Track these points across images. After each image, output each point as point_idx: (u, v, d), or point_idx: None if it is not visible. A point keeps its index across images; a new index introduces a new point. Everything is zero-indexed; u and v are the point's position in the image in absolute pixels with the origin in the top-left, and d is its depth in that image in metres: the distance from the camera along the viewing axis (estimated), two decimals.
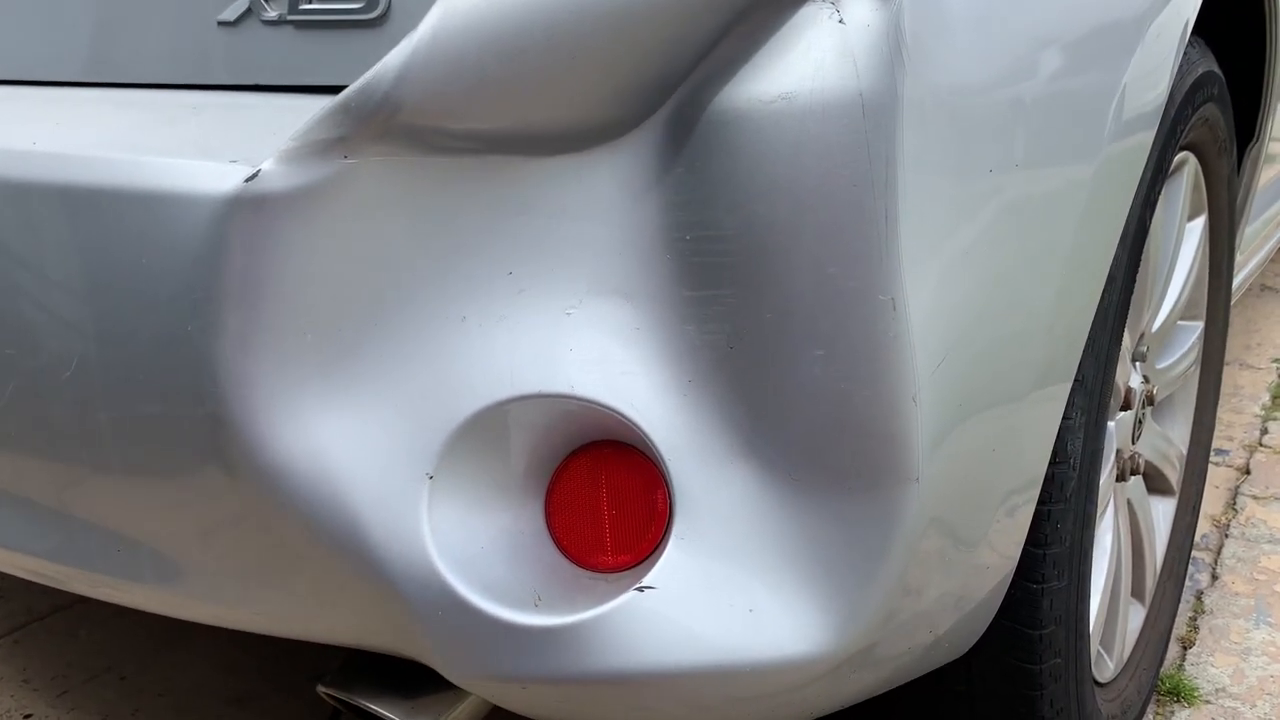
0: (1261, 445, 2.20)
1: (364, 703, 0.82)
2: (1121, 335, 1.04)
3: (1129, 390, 1.21)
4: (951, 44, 0.69)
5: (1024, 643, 0.95)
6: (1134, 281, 1.01)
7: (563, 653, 0.70)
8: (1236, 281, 1.74)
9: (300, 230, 0.66)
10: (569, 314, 0.73)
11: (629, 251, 0.72)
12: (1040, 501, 0.90)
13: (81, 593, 0.86)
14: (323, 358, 0.69)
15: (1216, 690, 1.45)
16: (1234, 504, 1.95)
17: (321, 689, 0.84)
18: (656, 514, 0.74)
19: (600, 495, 0.75)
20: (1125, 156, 0.88)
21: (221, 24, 0.79)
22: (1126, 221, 0.91)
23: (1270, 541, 1.83)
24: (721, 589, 0.72)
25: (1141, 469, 1.30)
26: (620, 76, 0.68)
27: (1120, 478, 1.23)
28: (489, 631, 0.70)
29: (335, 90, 0.75)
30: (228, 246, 0.66)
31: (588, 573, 0.74)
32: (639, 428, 0.72)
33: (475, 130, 0.67)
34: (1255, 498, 1.97)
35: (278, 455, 0.68)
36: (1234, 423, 2.33)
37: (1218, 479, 2.04)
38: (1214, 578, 1.72)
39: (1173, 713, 1.41)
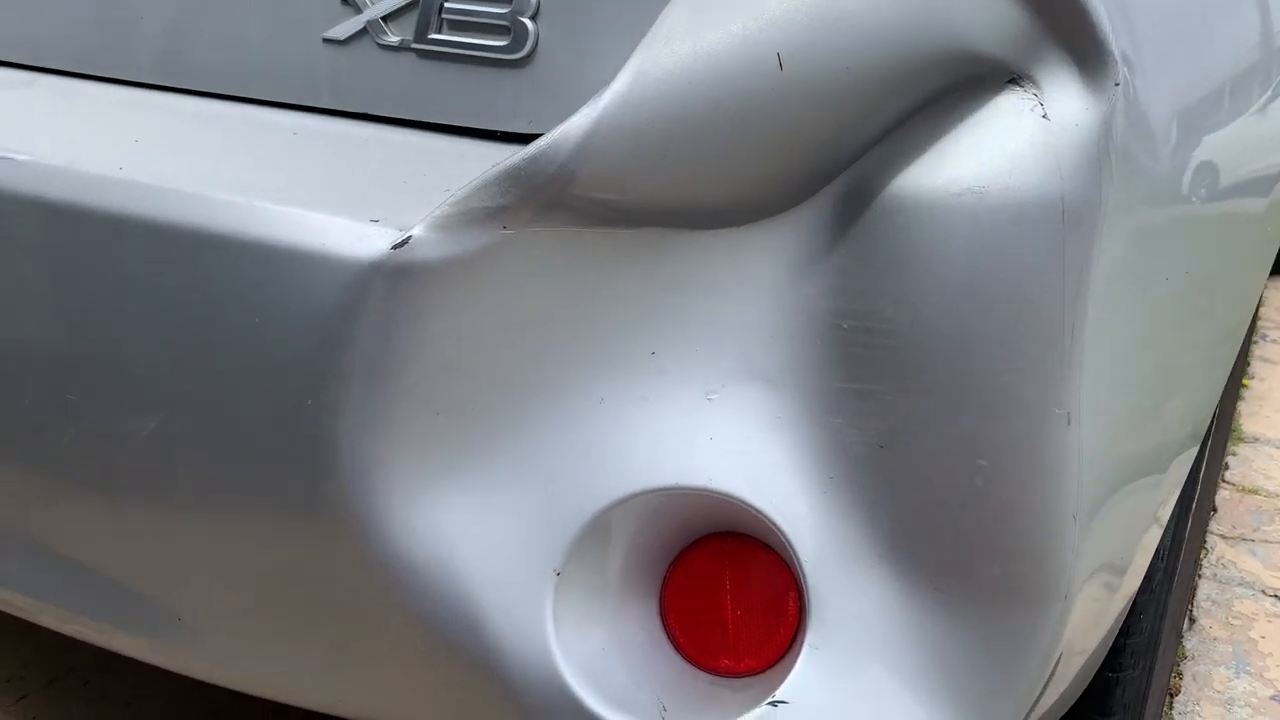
0: (1225, 481, 2.24)
1: None
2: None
3: None
4: (1151, 151, 0.65)
5: None
6: None
7: None
8: None
9: (444, 304, 0.59)
10: (710, 399, 0.67)
11: (778, 336, 0.67)
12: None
13: (155, 663, 0.78)
14: (451, 442, 0.62)
15: None
16: (1205, 543, 1.99)
17: None
18: (787, 618, 0.69)
19: (724, 592, 0.70)
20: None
21: (328, 41, 0.70)
22: None
23: (1241, 584, 1.86)
24: (854, 703, 0.67)
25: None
26: (802, 155, 0.62)
27: None
28: None
29: (460, 131, 0.68)
30: (363, 317, 0.58)
31: (710, 677, 0.69)
32: (778, 527, 0.67)
33: (640, 204, 0.61)
34: (1223, 537, 2.01)
35: (397, 546, 0.62)
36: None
37: None
38: (1192, 621, 1.75)
39: None
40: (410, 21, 0.68)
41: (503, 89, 0.67)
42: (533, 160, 0.57)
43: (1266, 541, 2.00)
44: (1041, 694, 0.71)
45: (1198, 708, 1.53)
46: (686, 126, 0.57)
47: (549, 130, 0.63)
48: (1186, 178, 0.69)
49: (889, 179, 0.64)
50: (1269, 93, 0.80)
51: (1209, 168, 0.72)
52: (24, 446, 0.68)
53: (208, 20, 0.73)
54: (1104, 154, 0.61)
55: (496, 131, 0.67)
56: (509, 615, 0.63)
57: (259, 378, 0.60)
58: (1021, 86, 0.62)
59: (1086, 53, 0.60)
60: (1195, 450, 0.84)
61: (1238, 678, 1.61)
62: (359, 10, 0.69)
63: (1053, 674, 0.71)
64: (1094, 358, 0.64)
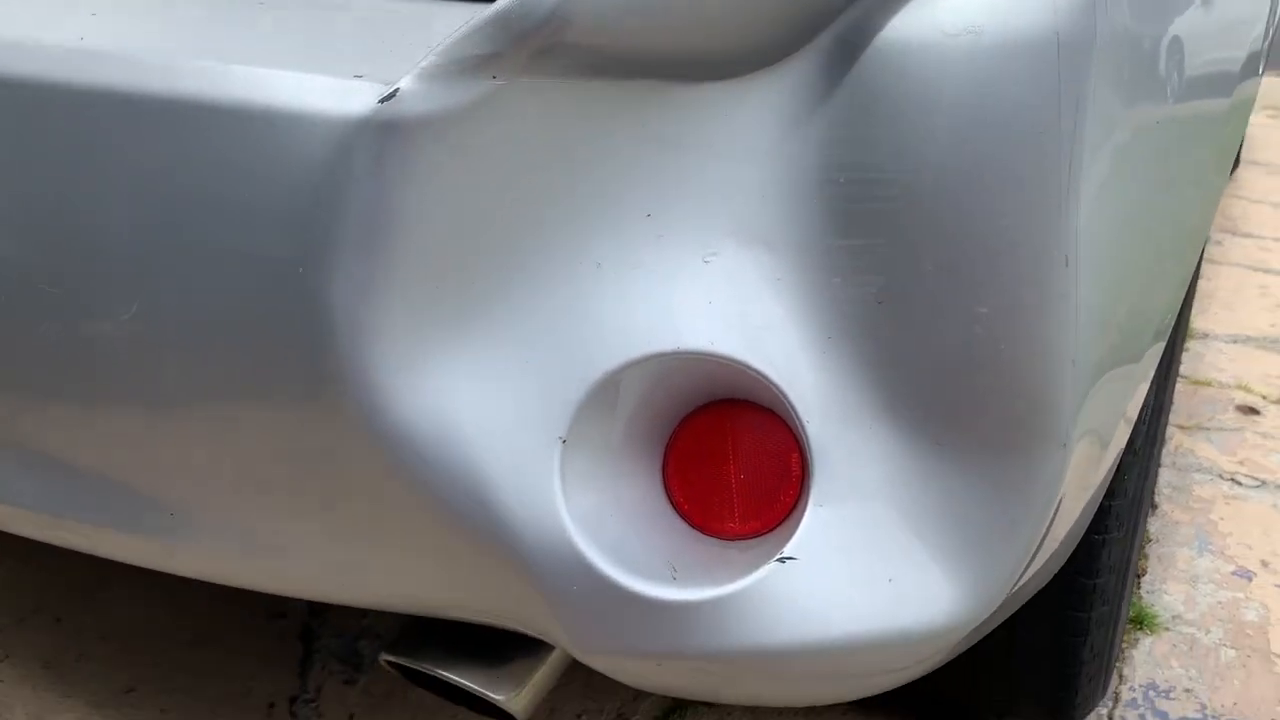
0: (1179, 375, 2.29)
1: (440, 671, 0.76)
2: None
3: None
4: None
5: (1079, 591, 0.95)
6: None
7: (704, 628, 0.65)
8: None
9: (436, 160, 0.57)
10: (707, 262, 0.66)
11: (774, 194, 0.66)
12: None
13: (151, 566, 0.76)
14: (448, 307, 0.60)
15: (1173, 617, 1.51)
16: (1163, 434, 2.03)
17: (385, 658, 0.77)
18: (790, 478, 0.68)
19: (727, 456, 0.69)
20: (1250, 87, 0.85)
21: None
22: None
23: (1199, 470, 1.91)
24: (860, 558, 0.68)
25: None
26: None
27: None
28: (625, 606, 0.64)
29: None
30: (353, 177, 0.56)
31: (717, 541, 0.69)
32: (779, 389, 0.66)
33: (633, 52, 0.59)
34: (1181, 427, 2.06)
35: (398, 416, 0.60)
36: None
37: None
38: (1154, 506, 1.79)
39: (1137, 640, 1.46)
40: None
41: None
42: (523, 4, 0.55)
43: (1221, 429, 2.05)
44: (1042, 542, 0.71)
45: (1164, 586, 1.57)
46: None
47: None
48: (1165, 6, 0.68)
49: (883, 22, 0.62)
50: None
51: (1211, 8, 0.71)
52: (18, 341, 0.65)
53: None
54: None
55: None
56: (517, 484, 0.62)
57: (247, 249, 0.58)
58: None
59: None
60: (1179, 301, 0.84)
61: (1200, 556, 1.65)
62: None
63: (1052, 522, 0.72)
64: (1087, 199, 0.64)
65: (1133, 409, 0.83)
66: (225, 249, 0.59)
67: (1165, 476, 1.88)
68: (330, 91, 0.56)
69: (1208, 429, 2.05)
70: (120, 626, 1.37)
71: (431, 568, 0.66)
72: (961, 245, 0.64)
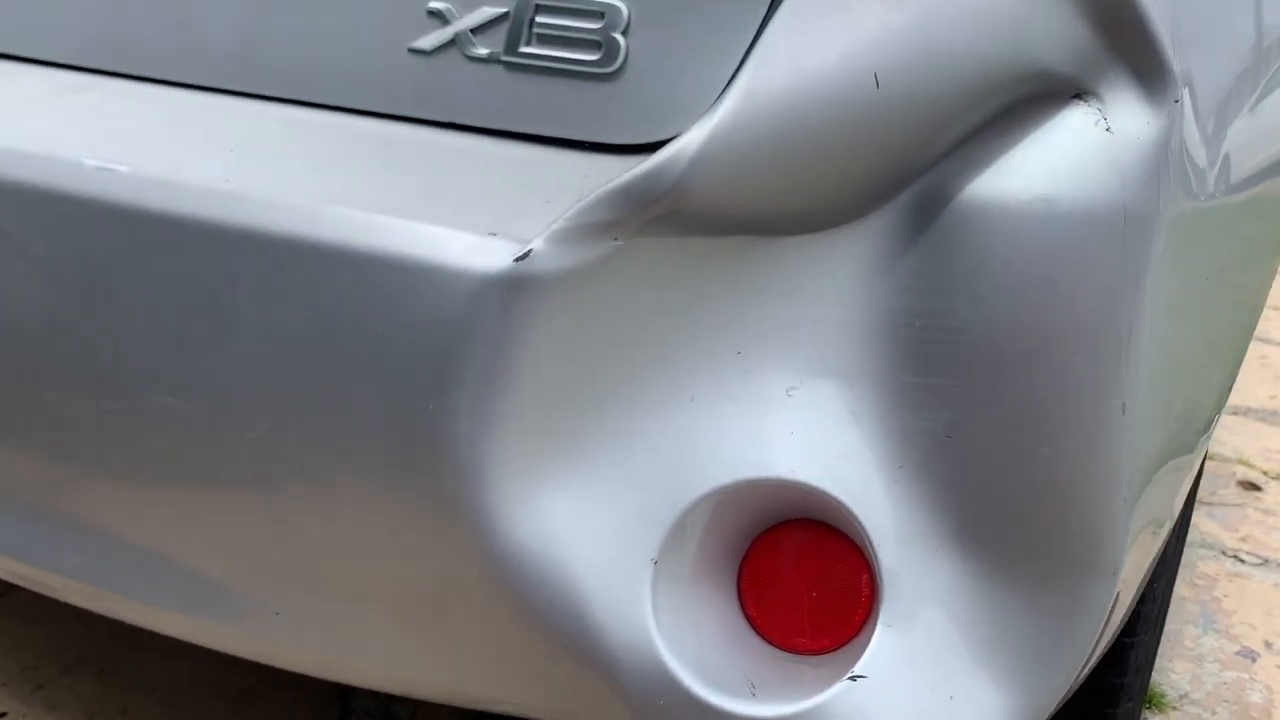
0: None
1: None
2: None
3: None
4: (1199, 158, 0.70)
5: (1108, 690, 1.00)
6: None
7: None
8: None
9: (558, 313, 0.62)
10: (790, 394, 0.71)
11: (853, 334, 0.71)
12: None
13: (253, 658, 0.80)
14: (558, 440, 0.65)
15: (1180, 697, 1.56)
16: None
17: None
18: (861, 599, 0.73)
19: (799, 575, 0.74)
20: None
21: (414, 52, 0.72)
22: None
23: (1203, 546, 1.96)
24: (924, 675, 0.72)
25: None
26: (885, 165, 0.66)
27: None
28: None
29: (547, 141, 0.71)
30: (484, 327, 0.61)
31: (789, 656, 0.73)
32: (853, 514, 0.71)
33: (739, 215, 0.64)
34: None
35: (510, 538, 0.65)
36: None
37: None
38: None
39: (1145, 719, 1.51)
40: (500, 35, 0.70)
41: (593, 101, 0.70)
42: (647, 177, 0.60)
43: (1224, 505, 2.10)
44: (1088, 661, 0.76)
45: (1172, 664, 1.62)
46: (791, 142, 0.61)
47: (639, 141, 0.66)
48: (1225, 180, 0.74)
49: (962, 186, 0.68)
50: None
51: (1242, 169, 0.77)
52: (139, 449, 0.70)
53: (291, 26, 0.75)
54: (1162, 165, 0.66)
55: (584, 142, 0.70)
56: (612, 602, 0.67)
57: (382, 384, 0.63)
58: (1086, 101, 0.67)
59: (1149, 71, 0.65)
60: (1215, 428, 0.90)
61: (1205, 635, 1.70)
62: (447, 22, 0.71)
63: (1098, 643, 0.77)
64: (1145, 351, 0.69)
65: (1167, 527, 0.89)
66: (366, 382, 0.64)
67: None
68: (468, 247, 0.61)
69: (1210, 504, 2.10)
70: (164, 679, 1.41)
71: (530, 681, 0.71)
72: (1026, 391, 0.69)
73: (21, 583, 0.91)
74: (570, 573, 0.67)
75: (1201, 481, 2.17)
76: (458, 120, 0.72)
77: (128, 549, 0.78)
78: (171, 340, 0.67)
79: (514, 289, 0.61)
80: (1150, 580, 0.96)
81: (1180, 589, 1.82)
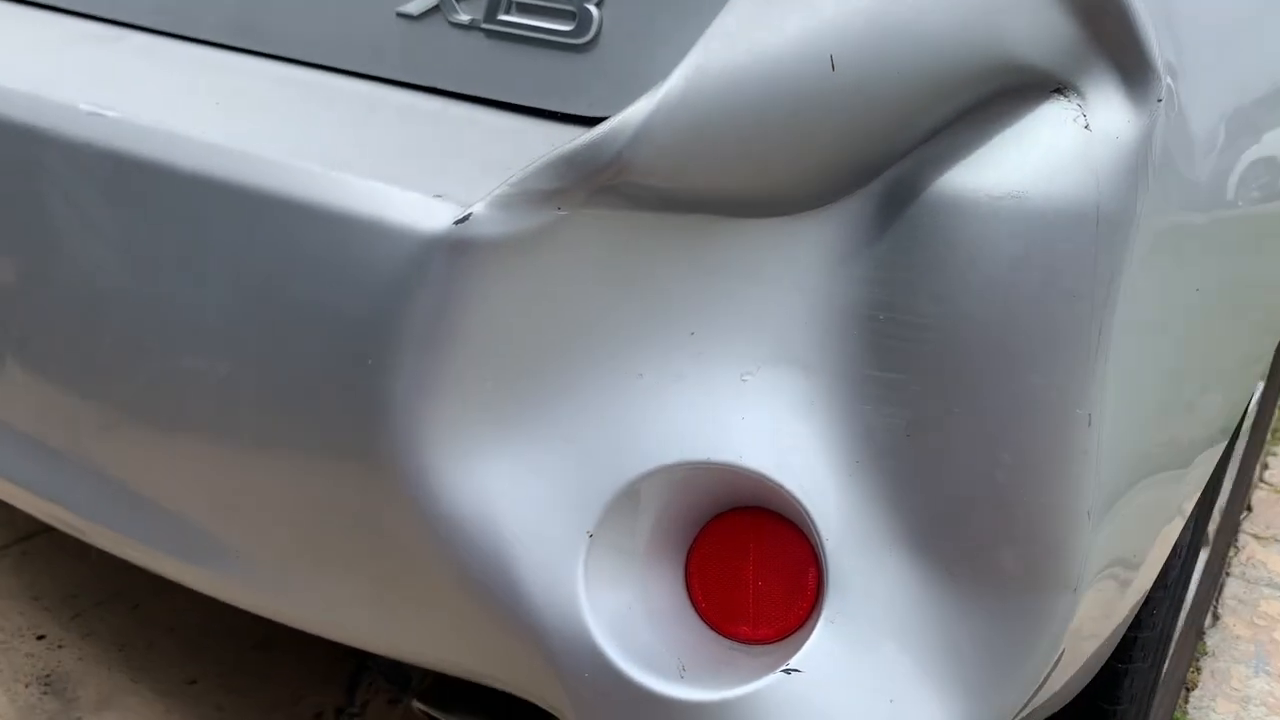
0: (1263, 482, 2.24)
1: None
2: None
3: None
4: (1190, 161, 0.66)
5: (1097, 715, 0.97)
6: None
7: None
8: None
9: (499, 278, 0.62)
10: (745, 380, 0.70)
11: (815, 323, 0.69)
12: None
13: (208, 593, 0.83)
14: (498, 406, 0.66)
15: None
16: (1236, 541, 1.99)
17: (418, 705, 0.83)
18: (805, 592, 0.72)
19: (748, 563, 0.73)
20: None
21: (401, 16, 0.73)
22: None
23: (1270, 585, 1.87)
24: (865, 677, 0.71)
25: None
26: (850, 152, 0.64)
27: None
28: (633, 698, 0.68)
29: (523, 109, 0.71)
30: (424, 287, 0.62)
31: (728, 643, 0.73)
32: (803, 506, 0.70)
33: (690, 192, 0.64)
34: (1256, 537, 2.01)
35: (444, 502, 0.66)
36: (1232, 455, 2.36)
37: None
38: (1215, 618, 1.76)
39: None
40: (481, 2, 0.71)
41: (566, 71, 0.70)
42: (590, 147, 0.60)
43: None
44: (1045, 680, 0.74)
45: (1213, 703, 1.55)
46: (739, 122, 0.60)
47: (609, 113, 0.66)
48: (1224, 187, 0.70)
49: (933, 179, 0.66)
50: None
51: (1248, 176, 0.73)
52: (103, 381, 0.73)
53: None
54: (1141, 167, 0.63)
55: (558, 112, 0.70)
56: (543, 570, 0.67)
57: (325, 334, 0.64)
58: (1066, 96, 0.64)
59: (1132, 67, 0.62)
60: (1221, 448, 0.85)
61: (1256, 676, 1.62)
62: None
63: (1057, 662, 0.74)
64: (1118, 361, 0.66)
65: (1161, 549, 0.85)
66: (310, 331, 0.65)
67: (1233, 588, 1.85)
68: (414, 206, 0.62)
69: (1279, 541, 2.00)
70: (192, 621, 1.46)
71: (462, 635, 0.72)
72: (990, 394, 0.67)
73: (51, 521, 0.95)
74: (503, 537, 0.67)
75: (1277, 518, 2.07)
76: (439, 85, 0.73)
77: (120, 491, 0.81)
78: (147, 280, 0.70)
79: (454, 251, 0.61)
80: (1148, 605, 0.92)
81: (1236, 626, 1.74)
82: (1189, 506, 0.86)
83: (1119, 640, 0.90)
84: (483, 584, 0.68)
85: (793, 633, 0.72)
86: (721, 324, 0.69)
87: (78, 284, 0.71)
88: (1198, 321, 0.73)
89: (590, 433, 0.68)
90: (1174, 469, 0.78)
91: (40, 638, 1.41)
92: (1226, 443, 0.88)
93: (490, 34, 0.71)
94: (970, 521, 0.70)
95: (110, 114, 0.70)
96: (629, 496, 0.69)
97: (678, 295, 0.68)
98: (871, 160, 0.65)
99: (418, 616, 0.72)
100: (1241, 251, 0.73)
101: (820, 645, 0.70)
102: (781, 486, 0.70)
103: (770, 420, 0.70)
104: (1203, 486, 0.86)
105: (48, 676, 1.35)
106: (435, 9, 0.72)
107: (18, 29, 0.81)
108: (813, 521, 0.70)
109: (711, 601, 0.73)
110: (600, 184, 0.61)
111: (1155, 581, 0.92)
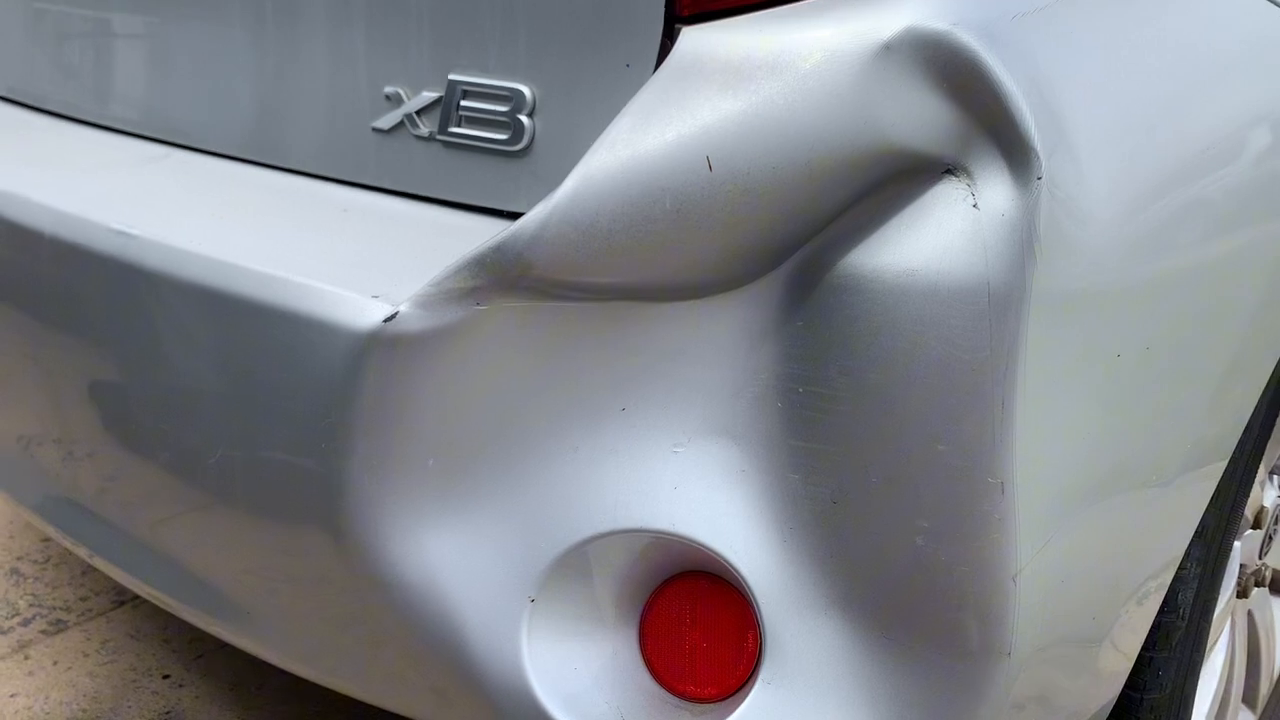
0: None
1: None
2: (1256, 471, 1.00)
3: (1262, 509, 1.17)
4: (1085, 238, 0.67)
5: None
6: (1273, 424, 0.97)
7: None
8: None
9: (430, 367, 0.69)
10: (676, 451, 0.75)
11: (741, 396, 0.73)
12: (1144, 648, 0.89)
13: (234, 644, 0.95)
14: (441, 481, 0.73)
15: None
16: None
17: None
18: (746, 653, 0.76)
19: (693, 626, 0.77)
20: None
21: (375, 130, 0.82)
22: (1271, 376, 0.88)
23: None
24: None
25: (1268, 580, 1.26)
26: (745, 242, 0.68)
27: (1243, 594, 1.19)
28: None
29: (475, 209, 0.79)
30: (363, 378, 0.70)
31: (674, 700, 0.77)
32: (737, 571, 0.74)
33: (598, 285, 0.69)
34: None
35: (392, 569, 0.73)
36: None
37: None
38: None
39: None
40: (436, 116, 0.79)
41: (507, 175, 0.77)
42: (495, 250, 0.66)
43: None
44: None
45: None
46: (628, 221, 0.65)
47: None
48: (1129, 256, 0.70)
49: (837, 259, 0.69)
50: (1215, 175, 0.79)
51: (1148, 245, 0.73)
52: (122, 462, 0.84)
53: (284, 109, 0.87)
54: (1028, 243, 0.64)
55: (504, 211, 0.77)
56: (488, 632, 0.73)
57: (287, 424, 0.73)
58: (957, 176, 0.66)
59: (1012, 148, 0.64)
60: (1198, 519, 0.84)
61: None
62: (399, 104, 0.81)
63: None
64: (1028, 431, 0.67)
65: (1142, 617, 0.84)
66: (275, 421, 0.74)
67: None
68: (354, 306, 0.70)
69: None
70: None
71: (414, 688, 0.79)
72: (903, 464, 0.69)
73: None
74: (449, 602, 0.73)
75: None
76: (407, 190, 0.82)
77: (154, 554, 0.93)
78: (133, 373, 0.81)
79: (388, 345, 0.69)
80: (1151, 668, 0.91)
81: None
82: (1168, 575, 0.84)
83: (1112, 704, 0.88)
84: (434, 644, 0.74)
85: (735, 693, 0.76)
86: (651, 399, 0.74)
87: (78, 382, 0.83)
88: (1129, 390, 0.73)
89: (530, 505, 0.74)
90: (1134, 537, 0.78)
91: (165, 677, 1.56)
92: (1209, 506, 0.86)
93: (445, 144, 0.79)
94: (899, 586, 0.72)
95: (133, 231, 0.81)
96: (569, 563, 0.74)
97: (606, 375, 0.73)
98: (774, 245, 0.69)
99: (381, 669, 0.80)
100: (1156, 317, 0.73)
101: (757, 705, 0.74)
102: (715, 552, 0.74)
103: (703, 489, 0.74)
104: (1179, 556, 0.84)
105: (168, 713, 1.50)
106: (401, 124, 0.81)
107: (97, 151, 0.96)
108: (748, 586, 0.74)
109: (662, 660, 0.77)
110: (509, 282, 0.68)
111: (1157, 643, 0.90)
